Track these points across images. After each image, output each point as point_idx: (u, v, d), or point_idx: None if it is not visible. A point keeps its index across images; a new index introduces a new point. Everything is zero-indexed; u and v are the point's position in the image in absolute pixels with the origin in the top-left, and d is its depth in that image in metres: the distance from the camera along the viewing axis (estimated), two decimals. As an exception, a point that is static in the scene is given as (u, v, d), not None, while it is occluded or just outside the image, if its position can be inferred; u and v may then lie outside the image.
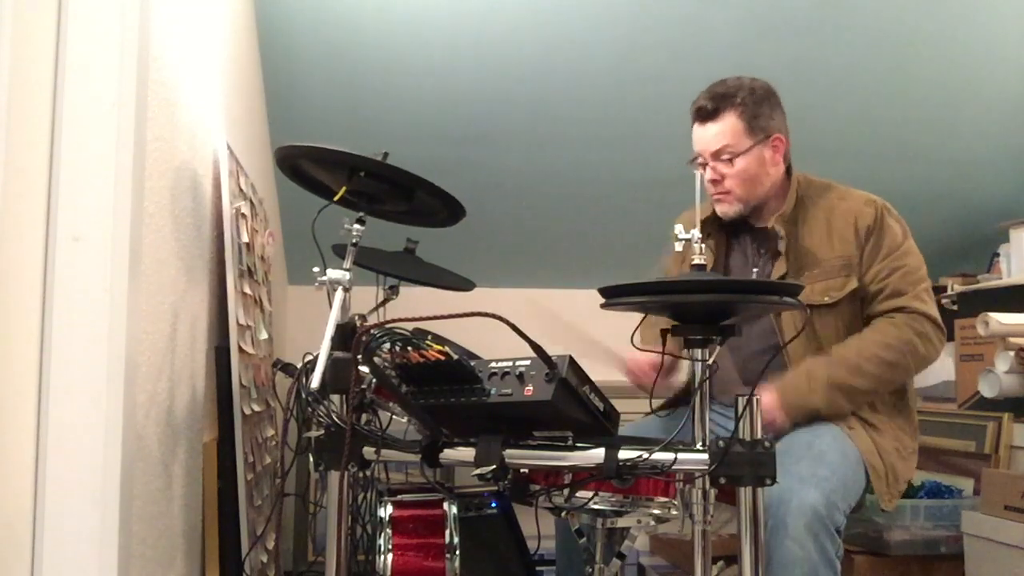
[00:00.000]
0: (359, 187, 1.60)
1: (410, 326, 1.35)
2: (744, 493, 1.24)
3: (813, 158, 3.14)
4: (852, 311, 1.85)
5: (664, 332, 1.35)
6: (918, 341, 1.79)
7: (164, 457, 1.56)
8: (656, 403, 1.93)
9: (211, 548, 1.84)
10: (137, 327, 1.36)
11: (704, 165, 1.88)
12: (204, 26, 1.91)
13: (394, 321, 1.31)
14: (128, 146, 1.30)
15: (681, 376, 1.88)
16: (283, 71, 2.83)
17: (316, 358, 1.42)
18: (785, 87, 3.03)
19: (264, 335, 2.36)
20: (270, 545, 2.16)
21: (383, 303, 1.75)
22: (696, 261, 1.37)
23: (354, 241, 1.60)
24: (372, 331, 1.34)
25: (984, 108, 3.21)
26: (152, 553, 1.49)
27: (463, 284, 1.96)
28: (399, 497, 1.80)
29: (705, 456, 1.24)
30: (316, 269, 1.58)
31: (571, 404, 1.26)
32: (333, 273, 1.56)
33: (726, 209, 1.91)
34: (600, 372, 1.92)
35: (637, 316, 1.71)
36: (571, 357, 1.26)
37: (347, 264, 1.59)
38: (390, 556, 1.72)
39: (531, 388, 1.24)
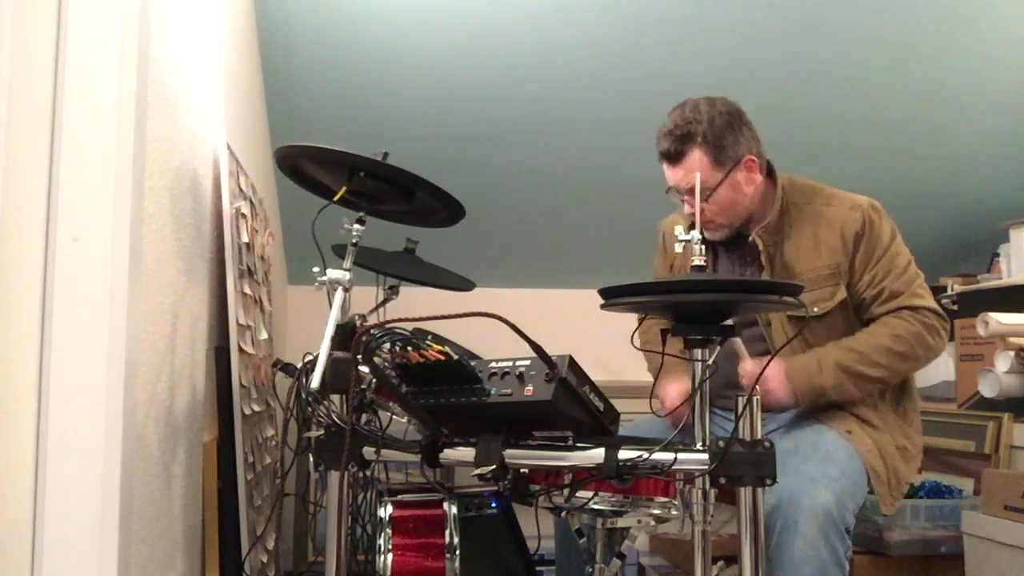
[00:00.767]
0: (359, 187, 1.60)
1: (410, 326, 1.35)
2: (744, 493, 1.24)
3: (813, 158, 3.16)
4: (844, 320, 1.84)
5: (664, 332, 1.35)
6: (926, 333, 1.80)
7: (164, 457, 1.56)
8: (656, 403, 1.92)
9: (211, 548, 1.84)
10: (137, 327, 1.36)
11: (680, 198, 1.86)
12: (204, 26, 1.91)
13: (394, 321, 1.31)
14: (128, 146, 1.30)
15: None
16: (283, 71, 2.83)
17: (316, 358, 1.42)
18: (785, 87, 3.05)
19: (264, 335, 2.36)
20: (270, 545, 2.16)
21: (383, 303, 1.75)
22: (696, 262, 1.37)
23: (354, 241, 1.60)
24: (372, 331, 1.34)
25: (984, 108, 3.21)
26: (152, 553, 1.49)
27: (463, 284, 1.96)
28: (399, 497, 1.80)
29: (705, 456, 1.24)
30: (316, 269, 1.58)
31: (571, 404, 1.26)
32: (333, 273, 1.56)
33: (713, 235, 1.89)
34: (600, 372, 1.93)
35: (636, 316, 1.72)
36: (571, 357, 1.26)
37: (347, 264, 1.59)
38: (390, 556, 1.72)
39: (531, 388, 1.24)
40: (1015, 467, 2.82)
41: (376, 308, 1.72)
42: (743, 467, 1.22)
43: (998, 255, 3.31)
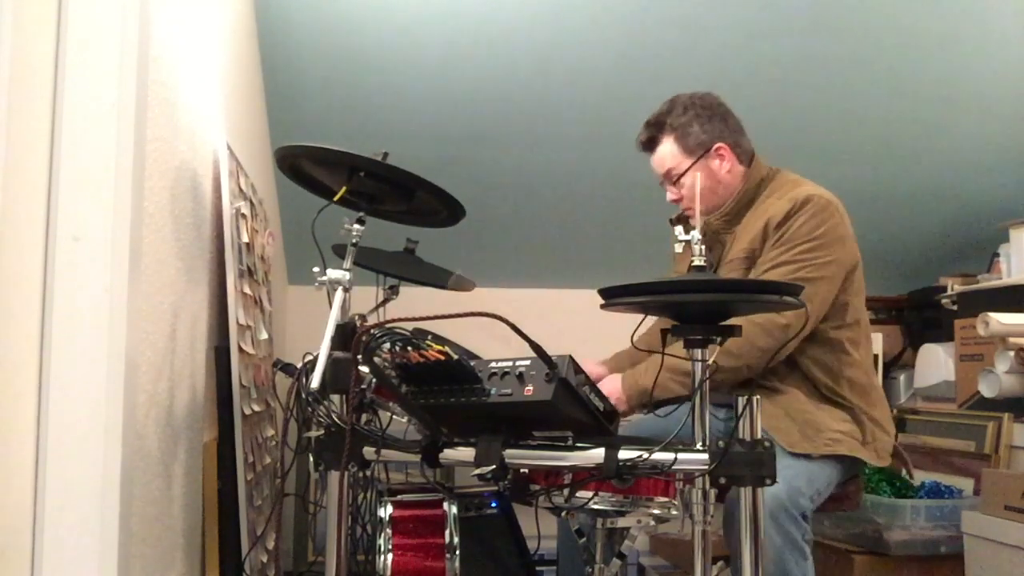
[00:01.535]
0: (359, 187, 1.60)
1: (410, 326, 1.35)
2: (744, 493, 1.24)
3: (813, 158, 3.16)
4: None
5: (664, 332, 1.35)
6: (754, 331, 1.73)
7: (164, 457, 1.56)
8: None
9: (211, 548, 1.84)
10: (137, 327, 1.36)
11: (661, 184, 2.01)
12: (204, 26, 1.91)
13: (394, 321, 1.31)
14: (128, 146, 1.30)
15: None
16: (283, 71, 2.83)
17: (316, 358, 1.42)
18: (785, 87, 3.05)
19: (264, 335, 2.36)
20: (270, 545, 2.16)
21: (383, 303, 1.75)
22: (696, 262, 1.37)
23: (354, 241, 1.60)
24: (372, 331, 1.34)
25: (984, 108, 3.21)
26: (152, 553, 1.49)
27: (463, 284, 1.96)
28: (399, 497, 1.80)
29: (705, 456, 1.24)
30: (316, 269, 1.58)
31: (571, 404, 1.26)
32: (333, 273, 1.56)
33: (693, 221, 1.94)
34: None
35: (637, 316, 1.71)
36: (571, 357, 1.26)
37: (347, 264, 1.59)
38: (390, 556, 1.72)
39: (531, 388, 1.24)
40: (1015, 467, 2.82)
41: (376, 308, 1.72)
42: (743, 467, 1.22)
43: (998, 255, 3.31)
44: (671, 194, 1.99)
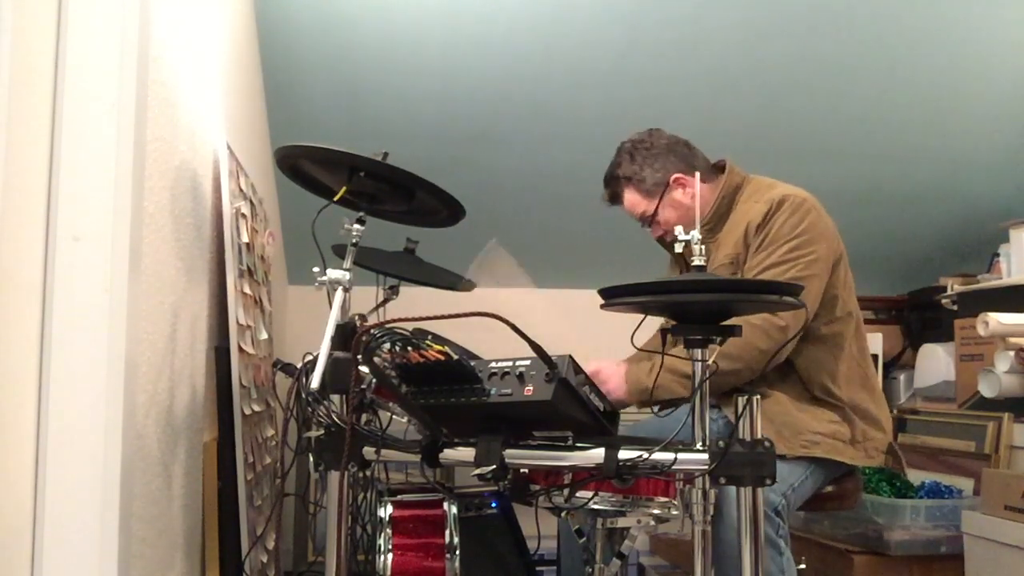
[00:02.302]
0: (359, 187, 1.60)
1: (410, 326, 1.35)
2: (744, 493, 1.24)
3: (813, 158, 3.16)
4: None
5: (664, 332, 1.35)
6: (752, 333, 1.73)
7: (164, 457, 1.56)
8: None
9: (211, 548, 1.84)
10: (137, 327, 1.36)
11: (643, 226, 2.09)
12: (204, 26, 1.91)
13: (394, 321, 1.31)
14: (128, 146, 1.30)
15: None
16: (283, 71, 2.83)
17: (316, 358, 1.42)
18: (784, 87, 3.05)
19: (264, 335, 2.36)
20: (270, 545, 2.16)
21: (383, 303, 1.75)
22: (696, 262, 1.37)
23: (354, 241, 1.60)
24: (372, 331, 1.34)
25: (984, 108, 3.21)
26: (152, 553, 1.49)
27: (463, 284, 1.96)
28: (399, 497, 1.80)
29: (705, 456, 1.24)
30: (316, 269, 1.58)
31: (571, 404, 1.26)
32: (333, 273, 1.56)
33: (677, 247, 1.95)
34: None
35: (637, 316, 1.71)
36: (571, 357, 1.26)
37: (347, 264, 1.59)
38: (390, 556, 1.72)
39: (531, 388, 1.24)
40: (1015, 467, 2.82)
41: (376, 308, 1.72)
42: (743, 467, 1.22)
43: (998, 255, 3.31)
44: (653, 232, 2.07)
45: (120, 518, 1.27)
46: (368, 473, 1.78)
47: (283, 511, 1.94)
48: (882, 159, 3.36)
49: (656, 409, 1.94)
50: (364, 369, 1.38)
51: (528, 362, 1.26)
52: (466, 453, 1.34)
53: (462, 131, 3.06)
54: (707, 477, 1.26)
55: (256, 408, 2.13)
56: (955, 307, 3.27)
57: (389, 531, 1.74)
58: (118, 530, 1.26)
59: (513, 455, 1.30)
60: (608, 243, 3.57)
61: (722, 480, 1.23)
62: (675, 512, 1.42)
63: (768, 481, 1.22)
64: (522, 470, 1.40)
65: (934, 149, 3.34)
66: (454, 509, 1.77)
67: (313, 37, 2.73)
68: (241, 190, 2.15)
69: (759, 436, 1.24)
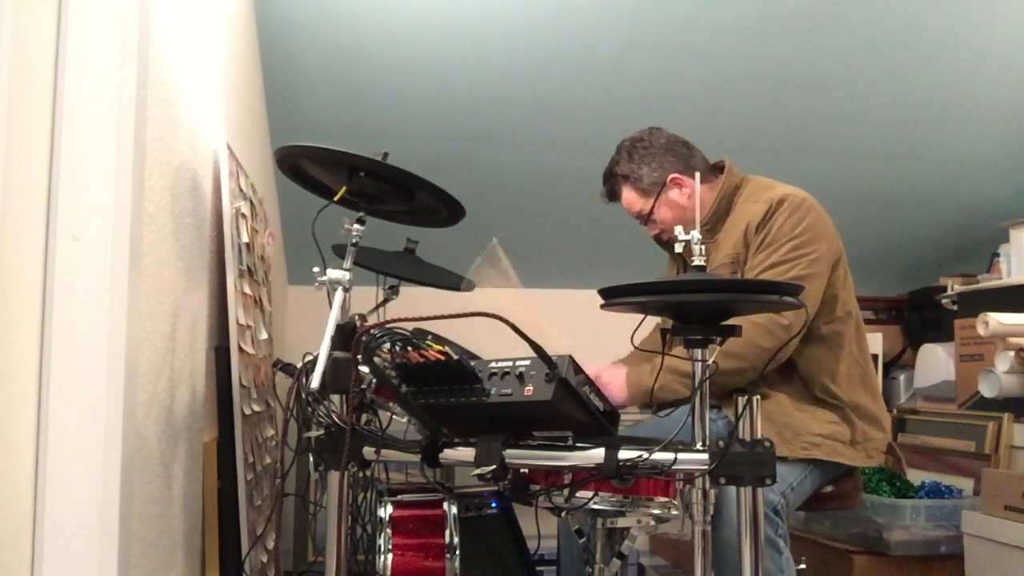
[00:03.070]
0: (359, 187, 1.60)
1: (410, 326, 1.35)
2: (744, 493, 1.24)
3: (813, 158, 3.16)
4: None
5: (664, 332, 1.35)
6: (755, 332, 1.74)
7: (164, 457, 1.56)
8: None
9: (211, 548, 1.84)
10: (137, 327, 1.36)
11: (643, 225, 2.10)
12: (204, 26, 1.91)
13: (394, 321, 1.31)
14: (128, 146, 1.30)
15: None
16: (283, 71, 2.83)
17: (316, 358, 1.42)
18: (784, 87, 3.05)
19: (264, 335, 2.36)
20: (270, 545, 2.16)
21: (383, 303, 1.75)
22: (696, 262, 1.37)
23: (354, 241, 1.60)
24: (372, 331, 1.34)
25: (984, 108, 3.21)
26: (152, 553, 1.49)
27: (464, 284, 1.96)
28: (399, 497, 1.80)
29: (705, 456, 1.24)
30: (316, 269, 1.58)
31: (571, 404, 1.26)
32: (333, 273, 1.56)
33: (677, 247, 1.96)
34: (600, 372, 1.92)
35: (636, 316, 1.71)
36: (571, 357, 1.26)
37: (347, 264, 1.59)
38: (390, 556, 1.72)
39: (531, 388, 1.24)
40: (1015, 467, 2.82)
41: (376, 308, 1.72)
42: (743, 467, 1.22)
43: (998, 255, 3.31)
44: (650, 231, 2.08)
45: (120, 518, 1.27)
46: (368, 473, 1.78)
47: (283, 511, 1.94)
48: (882, 159, 3.36)
49: (654, 409, 1.95)
50: (364, 369, 1.38)
51: (528, 362, 1.26)
52: (466, 453, 1.33)
53: (462, 131, 3.06)
54: (707, 477, 1.26)
55: (256, 408, 2.13)
56: (955, 307, 3.27)
57: (389, 531, 1.74)
58: (118, 530, 1.26)
59: (513, 455, 1.30)
60: (608, 243, 3.57)
61: (722, 480, 1.23)
62: (675, 512, 1.42)
63: (768, 481, 1.22)
64: (522, 470, 1.40)
65: (934, 149, 3.34)
66: (454, 509, 1.77)
67: (313, 37, 2.73)
68: (241, 190, 2.15)
69: (759, 436, 1.24)
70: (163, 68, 1.53)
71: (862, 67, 3.00)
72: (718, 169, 2.01)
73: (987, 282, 3.22)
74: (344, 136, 2.86)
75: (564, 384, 1.23)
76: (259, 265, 2.32)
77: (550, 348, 1.25)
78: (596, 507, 1.44)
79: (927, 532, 2.63)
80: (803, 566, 1.80)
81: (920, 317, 3.71)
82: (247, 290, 2.09)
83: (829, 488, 1.90)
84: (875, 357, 3.37)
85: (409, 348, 1.31)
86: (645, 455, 1.24)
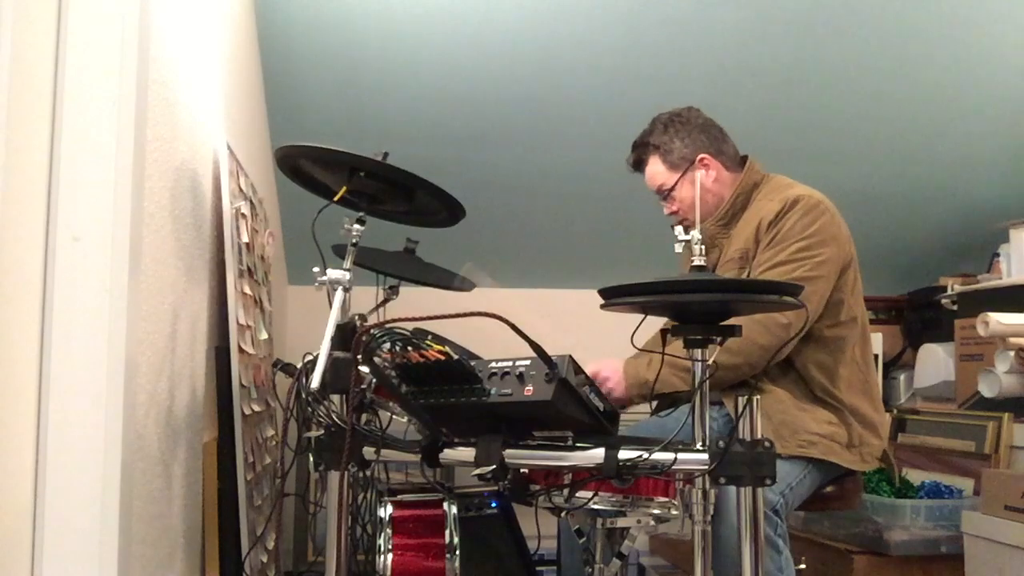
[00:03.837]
0: (359, 187, 1.60)
1: (410, 326, 1.35)
2: (744, 493, 1.24)
3: (813, 158, 3.16)
4: None
5: (664, 332, 1.36)
6: (755, 329, 1.74)
7: (164, 457, 1.56)
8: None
9: (211, 548, 1.84)
10: (137, 327, 1.36)
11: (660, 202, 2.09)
12: (204, 26, 1.91)
13: (394, 321, 1.31)
14: (128, 146, 1.30)
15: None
16: (283, 71, 2.83)
17: (316, 358, 1.42)
18: (784, 88, 3.05)
19: (264, 335, 2.36)
20: (270, 545, 2.16)
21: (383, 303, 1.75)
22: (696, 262, 1.38)
23: (354, 241, 1.60)
24: (372, 331, 1.34)
25: (984, 108, 3.21)
26: (152, 553, 1.49)
27: (463, 284, 1.96)
28: (399, 497, 1.80)
29: (705, 456, 1.24)
30: (316, 269, 1.58)
31: (571, 404, 1.26)
32: (333, 273, 1.56)
33: (693, 232, 1.97)
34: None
35: (637, 316, 1.71)
36: (571, 357, 1.26)
37: (347, 264, 1.58)
38: (390, 556, 1.72)
39: (531, 388, 1.24)
40: (1015, 467, 2.82)
41: (376, 308, 1.72)
42: (743, 467, 1.22)
43: (998, 255, 3.31)
44: (667, 208, 2.07)
45: (120, 518, 1.27)
46: (368, 473, 1.78)
47: (283, 511, 1.94)
48: (882, 159, 3.36)
49: (653, 408, 1.95)
50: (364, 369, 1.38)
51: (528, 362, 1.26)
52: (466, 453, 1.34)
53: (462, 131, 3.06)
54: (707, 477, 1.26)
55: (256, 408, 2.13)
56: (955, 307, 3.27)
57: (389, 531, 1.74)
58: (118, 530, 1.26)
59: (513, 455, 1.30)
60: (608, 243, 3.57)
61: (722, 480, 1.24)
62: (675, 512, 1.42)
63: (768, 481, 1.23)
64: (522, 470, 1.40)
65: (934, 149, 3.34)
66: (454, 509, 1.77)
67: (313, 37, 2.73)
68: (241, 190, 2.15)
69: (759, 436, 1.24)
70: (163, 68, 1.53)
71: (862, 67, 3.00)
72: (744, 163, 2.01)
73: (987, 282, 3.22)
74: (344, 136, 2.86)
75: (564, 384, 1.23)
76: (259, 265, 2.32)
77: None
78: (596, 507, 1.44)
79: (927, 532, 2.63)
80: (803, 566, 1.80)
81: (920, 317, 3.71)
82: (247, 290, 2.09)
83: (829, 488, 1.90)
84: (875, 357, 3.36)
85: (409, 348, 1.31)
86: (645, 455, 1.24)
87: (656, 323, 1.58)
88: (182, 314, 1.68)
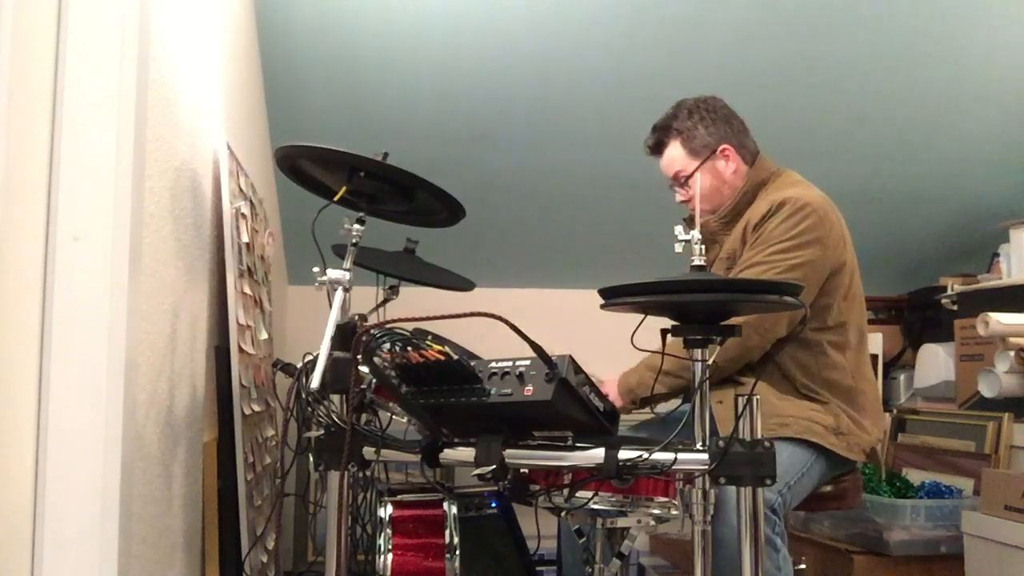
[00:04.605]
0: (359, 187, 1.60)
1: (410, 326, 1.35)
2: (743, 493, 1.24)
3: (813, 158, 3.15)
4: None
5: (664, 332, 1.36)
6: (748, 341, 1.76)
7: (164, 457, 1.56)
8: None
9: (211, 548, 1.84)
10: (137, 327, 1.36)
11: (671, 187, 2.05)
12: (204, 26, 1.91)
13: (394, 321, 1.31)
14: (128, 146, 1.30)
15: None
16: (283, 71, 2.83)
17: (316, 358, 1.42)
18: (784, 87, 3.05)
19: (264, 335, 2.36)
20: (270, 545, 2.16)
21: (383, 303, 1.75)
22: (696, 262, 1.38)
23: (354, 241, 1.60)
24: (372, 331, 1.34)
25: (984, 108, 3.21)
26: (152, 553, 1.49)
27: (463, 284, 1.96)
28: (399, 497, 1.80)
29: (705, 456, 1.24)
30: (316, 269, 1.58)
31: (571, 404, 1.26)
32: (333, 273, 1.56)
33: (702, 220, 1.98)
34: (600, 372, 1.92)
35: (637, 316, 1.72)
36: (571, 357, 1.26)
37: (347, 264, 1.59)
38: (390, 556, 1.72)
39: (531, 388, 1.24)
40: (1015, 467, 2.82)
41: (376, 308, 1.72)
42: (743, 467, 1.22)
43: (998, 255, 3.31)
44: (680, 195, 2.04)
45: (120, 518, 1.26)
46: (368, 473, 1.78)
47: (283, 511, 1.94)
48: (882, 159, 3.36)
49: (648, 408, 1.95)
50: (364, 369, 1.38)
51: (528, 362, 1.26)
52: (466, 453, 1.34)
53: (462, 131, 3.06)
54: (707, 477, 1.26)
55: (256, 408, 2.13)
56: (955, 307, 3.27)
57: (389, 531, 1.74)
58: (118, 530, 1.26)
59: (513, 455, 1.30)
60: (608, 243, 3.57)
61: (722, 480, 1.24)
62: (675, 512, 1.42)
63: (768, 481, 1.22)
64: (522, 470, 1.40)
65: (934, 149, 3.34)
66: (454, 509, 1.77)
67: (313, 37, 2.73)
68: (241, 190, 2.15)
69: (759, 436, 1.24)
70: (163, 68, 1.53)
71: (862, 67, 3.00)
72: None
73: (987, 282, 3.22)
74: (344, 136, 2.86)
75: (564, 384, 1.23)
76: (259, 265, 2.32)
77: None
78: (596, 507, 1.44)
79: (927, 532, 2.63)
80: (803, 566, 1.80)
81: (920, 317, 3.71)
82: (247, 290, 2.09)
83: (829, 488, 1.89)
84: (875, 357, 3.37)
85: (409, 348, 1.31)
86: (645, 455, 1.24)
87: (656, 323, 1.59)
88: (182, 314, 1.68)
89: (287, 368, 1.64)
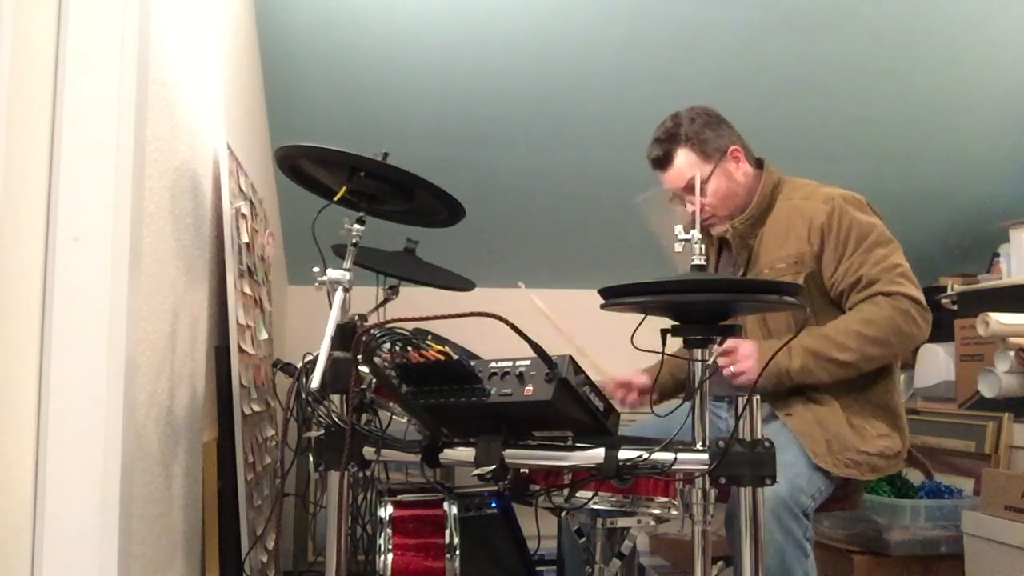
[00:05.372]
0: (359, 187, 1.60)
1: (410, 326, 1.35)
2: (744, 493, 1.24)
3: (813, 158, 3.15)
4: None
5: (664, 332, 1.35)
6: (900, 318, 1.78)
7: (164, 457, 1.56)
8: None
9: (211, 548, 1.84)
10: (137, 327, 1.36)
11: (682, 201, 1.99)
12: (204, 26, 1.91)
13: (394, 321, 1.31)
14: (128, 146, 1.30)
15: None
16: (283, 71, 2.83)
17: (316, 358, 1.42)
18: (785, 88, 3.05)
19: (264, 335, 2.36)
20: (270, 545, 2.16)
21: (383, 303, 1.75)
22: (696, 262, 1.37)
23: (354, 241, 1.60)
24: (372, 331, 1.34)
25: (984, 108, 3.21)
26: (152, 553, 1.49)
27: (463, 284, 1.96)
28: (399, 497, 1.80)
29: (705, 456, 1.24)
30: (316, 269, 1.58)
31: (571, 404, 1.26)
32: (333, 273, 1.56)
33: (718, 229, 1.99)
34: (600, 373, 1.92)
35: (637, 316, 1.72)
36: (571, 357, 1.26)
37: (347, 264, 1.58)
38: (390, 556, 1.72)
39: (531, 388, 1.24)
40: (1015, 467, 2.81)
41: (376, 308, 1.72)
42: (743, 467, 1.22)
43: (998, 255, 3.31)
44: (692, 205, 1.94)
45: (120, 518, 1.27)
46: (368, 473, 1.78)
47: (283, 511, 1.94)
48: (882, 159, 3.36)
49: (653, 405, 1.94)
50: (364, 369, 1.38)
51: (528, 362, 1.26)
52: (466, 453, 1.34)
53: (462, 131, 3.06)
54: (707, 477, 1.26)
55: (256, 408, 2.13)
56: (955, 307, 3.27)
57: (389, 531, 1.74)
58: (118, 530, 1.26)
59: (513, 455, 1.30)
60: (608, 243, 3.57)
61: (722, 480, 1.23)
62: (675, 512, 1.42)
63: (768, 481, 1.22)
64: (522, 470, 1.40)
65: (934, 149, 3.34)
66: (454, 509, 1.77)
67: (313, 37, 2.73)
68: (241, 190, 2.15)
69: (759, 436, 1.24)
70: (163, 68, 1.53)
71: (862, 67, 3.00)
72: (760, 164, 2.01)
73: (987, 282, 3.22)
74: (344, 136, 2.86)
75: (564, 384, 1.23)
76: (259, 265, 2.32)
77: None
78: (596, 507, 1.44)
79: (927, 532, 2.62)
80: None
81: (920, 317, 3.70)
82: (247, 290, 2.09)
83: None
84: (875, 357, 3.36)
85: (409, 348, 1.31)
86: (645, 455, 1.24)
87: (657, 323, 1.59)
88: (182, 314, 1.68)
89: (287, 368, 1.64)
